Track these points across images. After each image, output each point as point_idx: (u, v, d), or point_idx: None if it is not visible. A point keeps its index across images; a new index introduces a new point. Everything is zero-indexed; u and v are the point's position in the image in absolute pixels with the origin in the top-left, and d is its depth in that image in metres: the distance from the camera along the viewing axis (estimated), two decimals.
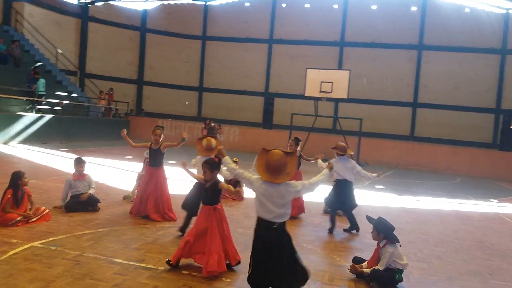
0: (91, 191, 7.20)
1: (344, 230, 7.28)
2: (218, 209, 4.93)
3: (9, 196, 6.07)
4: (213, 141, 6.25)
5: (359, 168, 7.35)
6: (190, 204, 6.07)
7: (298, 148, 7.93)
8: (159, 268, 4.78)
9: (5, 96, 17.21)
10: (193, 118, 28.24)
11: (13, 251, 4.89)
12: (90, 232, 5.93)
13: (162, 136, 7.17)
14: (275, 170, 3.82)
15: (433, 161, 21.99)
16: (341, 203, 7.32)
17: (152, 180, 7.03)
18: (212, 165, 4.93)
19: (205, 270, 4.59)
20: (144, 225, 6.59)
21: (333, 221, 7.14)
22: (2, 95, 16.90)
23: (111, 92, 25.64)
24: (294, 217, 7.67)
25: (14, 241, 5.26)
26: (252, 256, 3.92)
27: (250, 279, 3.91)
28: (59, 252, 4.97)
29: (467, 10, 25.13)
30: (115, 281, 4.29)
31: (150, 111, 28.86)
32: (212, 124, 21.27)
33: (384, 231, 5.00)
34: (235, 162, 9.01)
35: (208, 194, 5.01)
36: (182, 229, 6.09)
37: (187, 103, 29.63)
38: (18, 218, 5.99)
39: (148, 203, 6.89)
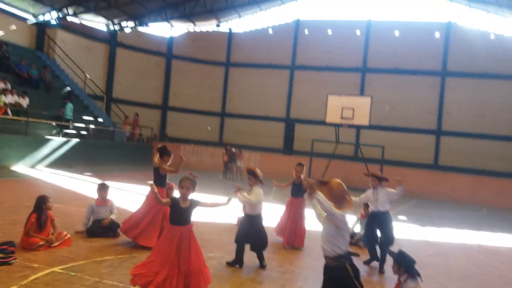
0: (112, 217, 7.30)
1: (364, 263, 7.11)
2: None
3: (33, 220, 6.19)
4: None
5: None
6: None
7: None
8: None
9: (35, 120, 17.82)
10: (215, 144, 28.51)
11: (34, 276, 4.98)
12: (110, 259, 6.00)
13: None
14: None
15: (457, 191, 21.41)
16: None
17: None
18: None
19: None
20: None
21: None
22: (32, 119, 17.52)
23: (137, 117, 26.25)
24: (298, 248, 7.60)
25: (36, 265, 5.36)
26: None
27: None
28: (79, 278, 5.03)
29: (492, 36, 24.84)
30: None
31: (173, 136, 29.30)
32: (233, 150, 21.48)
33: (405, 265, 4.87)
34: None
35: None
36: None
37: (209, 128, 29.99)
38: (41, 243, 6.08)
39: None
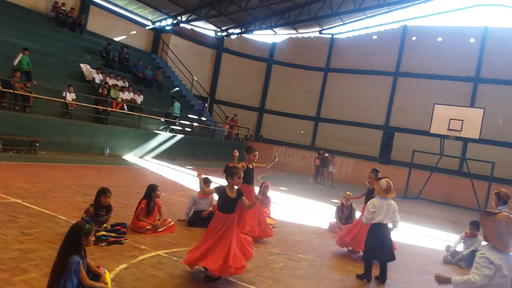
0: (211, 209, 7.67)
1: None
2: None
3: (143, 206, 6.72)
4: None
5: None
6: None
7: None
8: None
9: (146, 116, 19.42)
10: (307, 147, 28.46)
11: (142, 257, 5.39)
12: None
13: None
14: None
15: None
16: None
17: None
18: None
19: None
20: (256, 248, 6.79)
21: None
22: (144, 114, 19.11)
23: (236, 117, 27.31)
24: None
25: (143, 247, 5.81)
26: None
27: None
28: (181, 264, 5.33)
29: None
30: None
31: (267, 138, 29.91)
32: (326, 155, 21.25)
33: None
34: (348, 195, 8.89)
35: None
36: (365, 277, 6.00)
37: (302, 132, 30.04)
38: (148, 227, 6.57)
39: None
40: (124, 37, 24.69)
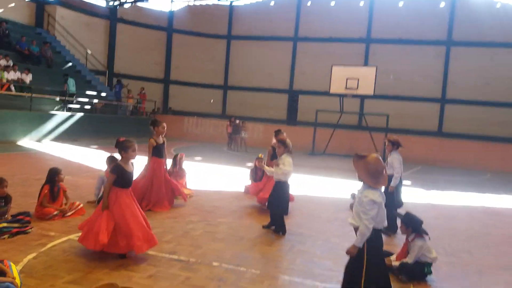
0: None
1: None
2: None
3: (46, 191, 6.30)
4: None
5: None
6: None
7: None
8: (190, 259, 4.93)
9: (38, 96, 17.84)
10: (218, 116, 28.54)
11: (52, 244, 5.11)
12: None
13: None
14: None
15: (462, 157, 21.54)
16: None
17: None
18: None
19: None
20: (174, 218, 6.78)
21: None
22: (36, 94, 17.53)
23: (143, 91, 26.32)
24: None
25: (52, 234, 5.48)
26: (380, 271, 3.65)
27: None
28: None
29: (498, 5, 24.70)
30: (149, 272, 4.45)
31: (176, 109, 29.34)
32: (237, 122, 21.53)
33: (412, 225, 5.02)
34: (260, 158, 9.16)
35: None
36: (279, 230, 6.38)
37: (212, 101, 29.97)
38: (55, 212, 6.21)
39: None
40: (0, 10, 22.04)
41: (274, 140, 7.49)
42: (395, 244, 6.24)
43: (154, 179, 7.20)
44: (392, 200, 6.82)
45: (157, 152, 7.18)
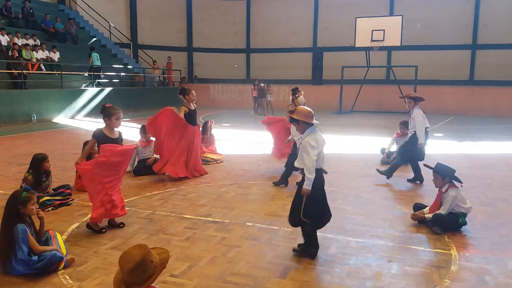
0: (156, 156, 7.62)
1: (408, 180, 7.20)
2: None
3: None
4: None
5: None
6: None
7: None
8: (225, 221, 5.10)
9: (67, 73, 18.21)
10: (243, 81, 28.39)
11: None
12: (159, 193, 6.37)
13: None
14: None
15: (495, 104, 20.78)
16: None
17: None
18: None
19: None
20: (208, 183, 6.95)
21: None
22: (65, 72, 17.90)
23: (170, 61, 26.42)
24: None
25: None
26: (318, 201, 4.10)
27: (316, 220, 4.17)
28: (133, 212, 5.39)
29: None
30: (186, 235, 4.64)
31: (202, 77, 29.37)
32: (262, 85, 21.37)
33: (446, 174, 4.94)
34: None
35: None
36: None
37: (235, 66, 29.76)
38: None
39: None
40: None
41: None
42: (428, 196, 6.21)
43: (191, 146, 7.25)
44: (413, 152, 6.97)
45: (190, 119, 7.20)
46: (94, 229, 4.72)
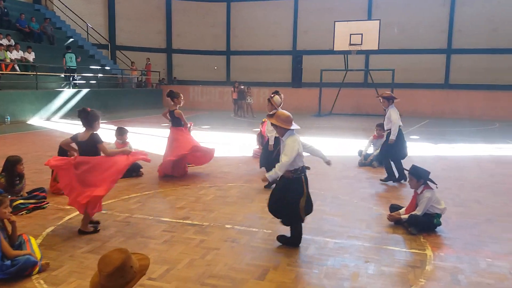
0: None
1: (381, 180, 7.37)
2: None
3: None
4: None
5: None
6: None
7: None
8: (204, 224, 5.08)
9: (42, 73, 17.83)
10: (223, 83, 28.37)
11: (68, 217, 5.28)
12: (136, 196, 6.29)
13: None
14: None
15: (470, 108, 21.37)
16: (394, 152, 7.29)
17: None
18: None
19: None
20: (186, 186, 6.92)
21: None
22: (40, 73, 17.52)
23: (149, 63, 26.20)
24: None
25: (68, 207, 5.59)
26: (306, 197, 4.34)
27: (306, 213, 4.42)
28: (110, 215, 5.32)
29: None
30: (164, 238, 4.61)
31: (181, 79, 29.18)
32: (242, 87, 21.39)
33: (421, 176, 5.05)
34: (264, 122, 9.17)
35: None
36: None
37: (215, 68, 29.70)
38: None
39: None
40: None
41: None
42: (403, 197, 6.32)
43: (192, 142, 7.44)
44: (396, 151, 7.19)
45: (175, 120, 7.44)
46: (85, 231, 4.71)
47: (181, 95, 7.48)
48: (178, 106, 7.38)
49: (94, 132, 4.87)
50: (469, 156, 10.32)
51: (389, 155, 7.30)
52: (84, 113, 4.86)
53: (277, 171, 4.18)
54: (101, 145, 4.79)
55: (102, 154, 4.85)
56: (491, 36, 24.31)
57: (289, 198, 4.31)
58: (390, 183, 7.29)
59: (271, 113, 4.45)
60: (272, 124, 4.51)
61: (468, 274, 3.86)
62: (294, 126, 4.31)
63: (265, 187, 6.67)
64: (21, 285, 3.52)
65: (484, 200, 6.32)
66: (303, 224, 4.47)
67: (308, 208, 4.40)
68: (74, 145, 5.01)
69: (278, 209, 4.46)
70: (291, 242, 4.43)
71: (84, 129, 4.89)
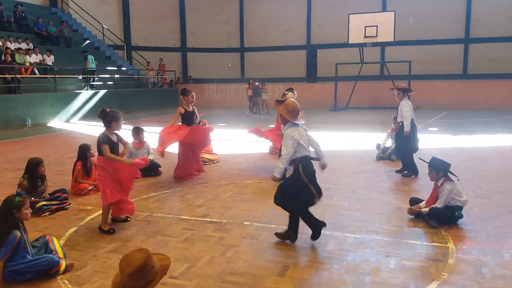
0: (150, 157, 7.61)
1: (397, 171, 7.34)
2: None
3: (79, 167, 6.53)
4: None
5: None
6: None
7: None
8: (222, 221, 5.11)
9: (61, 76, 18.14)
10: (237, 80, 28.37)
11: (90, 217, 5.36)
12: (156, 195, 6.36)
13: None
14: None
15: (489, 98, 20.93)
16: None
17: None
18: None
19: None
20: (204, 184, 6.96)
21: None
22: (59, 75, 17.82)
23: (162, 63, 26.40)
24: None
25: (89, 208, 5.74)
26: (312, 183, 4.30)
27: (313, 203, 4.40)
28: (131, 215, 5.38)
29: None
30: (184, 236, 4.65)
31: (196, 77, 29.32)
32: (257, 84, 21.38)
33: (442, 168, 4.96)
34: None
35: None
36: None
37: (230, 65, 29.74)
38: (90, 188, 6.45)
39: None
40: None
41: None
42: (423, 190, 6.24)
43: (180, 145, 7.29)
44: (406, 145, 7.18)
45: (186, 120, 7.21)
46: (103, 230, 4.84)
47: (193, 93, 7.29)
48: (189, 104, 7.25)
49: (115, 132, 4.97)
50: (490, 147, 10.12)
51: (404, 147, 7.27)
52: (103, 114, 4.92)
53: (280, 165, 4.26)
54: (104, 146, 4.82)
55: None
56: (510, 24, 23.71)
57: (285, 188, 4.42)
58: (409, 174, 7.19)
59: (281, 99, 4.53)
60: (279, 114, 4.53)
61: (492, 267, 3.80)
62: (299, 121, 4.35)
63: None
64: (47, 285, 3.60)
65: (507, 191, 6.20)
66: (321, 219, 4.43)
67: (319, 192, 4.33)
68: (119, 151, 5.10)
69: (278, 198, 4.47)
70: (289, 235, 4.43)
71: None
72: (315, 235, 4.39)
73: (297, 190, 4.27)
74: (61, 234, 4.76)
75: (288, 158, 4.22)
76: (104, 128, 4.93)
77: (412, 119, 7.07)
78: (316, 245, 4.34)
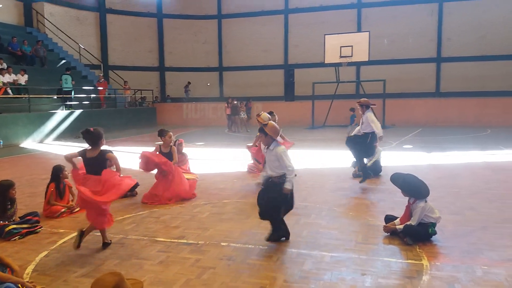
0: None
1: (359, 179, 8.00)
2: None
3: (52, 189, 6.38)
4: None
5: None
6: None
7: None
8: (199, 242, 5.04)
9: (35, 96, 17.83)
10: (216, 99, 28.46)
11: (62, 240, 5.21)
12: (131, 216, 6.24)
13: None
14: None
15: (462, 115, 21.55)
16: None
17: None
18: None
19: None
20: (181, 204, 6.88)
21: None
22: (33, 95, 17.51)
23: (102, 80, 26.20)
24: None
25: (62, 231, 5.59)
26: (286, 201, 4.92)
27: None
28: None
29: None
30: (160, 259, 4.55)
31: (174, 96, 29.28)
32: (235, 102, 21.51)
33: (409, 191, 5.09)
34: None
35: None
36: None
37: (208, 84, 29.85)
38: (63, 210, 6.30)
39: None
40: None
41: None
42: (398, 207, 6.31)
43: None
44: (367, 151, 7.96)
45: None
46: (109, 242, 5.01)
47: (170, 133, 7.18)
48: (168, 145, 7.17)
49: (102, 149, 4.99)
50: (463, 163, 10.37)
51: (363, 154, 7.89)
52: (88, 133, 4.96)
53: (291, 178, 4.82)
54: (111, 154, 4.94)
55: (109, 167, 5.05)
56: (479, 44, 24.67)
57: (271, 197, 4.85)
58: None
59: (265, 123, 5.04)
60: (261, 131, 5.00)
61: (465, 283, 3.85)
62: (278, 138, 5.08)
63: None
64: None
65: (479, 207, 6.33)
66: (298, 238, 4.48)
67: (287, 209, 4.97)
68: (76, 160, 5.00)
69: (265, 213, 4.95)
70: (276, 235, 4.90)
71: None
72: (272, 238, 4.90)
73: (285, 198, 4.84)
74: (31, 259, 4.61)
75: (293, 169, 4.81)
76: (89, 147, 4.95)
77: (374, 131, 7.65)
78: (293, 265, 4.32)
